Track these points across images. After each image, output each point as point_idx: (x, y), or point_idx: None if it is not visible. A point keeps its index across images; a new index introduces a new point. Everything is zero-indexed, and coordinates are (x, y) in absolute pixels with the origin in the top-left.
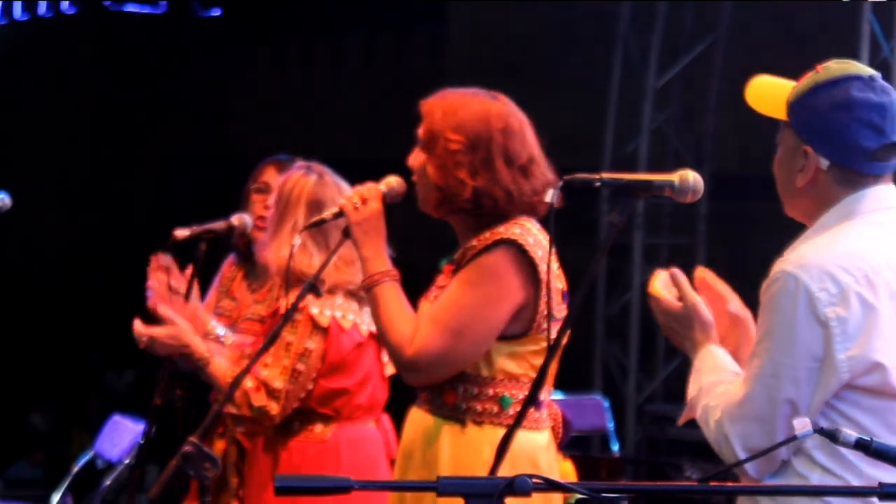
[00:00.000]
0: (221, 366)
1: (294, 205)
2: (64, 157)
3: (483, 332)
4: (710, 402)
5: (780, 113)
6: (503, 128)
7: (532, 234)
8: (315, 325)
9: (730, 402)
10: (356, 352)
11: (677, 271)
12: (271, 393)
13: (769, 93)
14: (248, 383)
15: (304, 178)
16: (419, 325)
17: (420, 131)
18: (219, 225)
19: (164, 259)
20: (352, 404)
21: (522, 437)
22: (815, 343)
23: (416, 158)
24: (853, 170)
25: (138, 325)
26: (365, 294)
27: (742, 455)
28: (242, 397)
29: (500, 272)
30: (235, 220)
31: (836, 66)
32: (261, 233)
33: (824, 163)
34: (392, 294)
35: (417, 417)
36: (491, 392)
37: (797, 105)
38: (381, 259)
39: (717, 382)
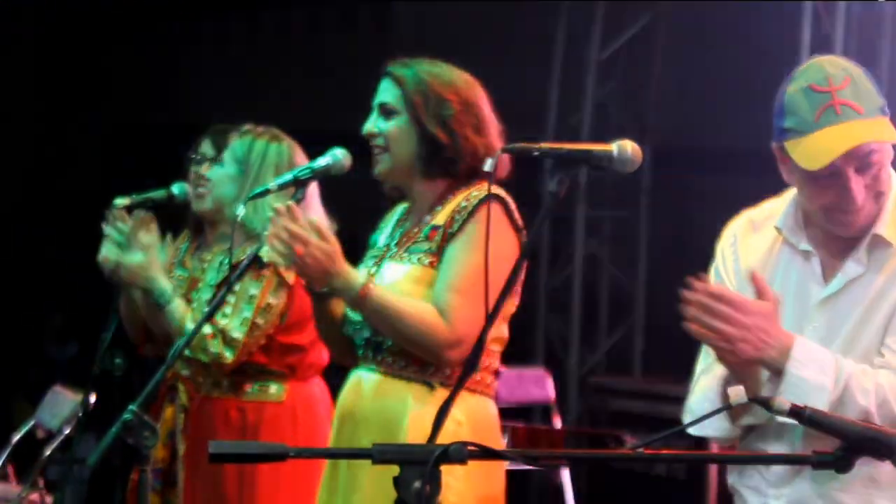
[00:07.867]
0: (181, 307)
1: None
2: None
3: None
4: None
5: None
6: (481, 94)
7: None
8: (280, 281)
9: None
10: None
11: (756, 271)
12: (228, 342)
13: (876, 131)
14: (206, 329)
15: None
16: (441, 301)
17: (392, 97)
18: (158, 194)
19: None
20: (305, 362)
21: (484, 403)
22: None
23: (381, 124)
24: None
25: (108, 250)
26: (362, 311)
27: None
28: (198, 342)
29: (501, 225)
30: (175, 188)
31: (852, 64)
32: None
33: None
34: (388, 293)
35: (372, 380)
36: None
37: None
38: (352, 276)
39: (858, 365)
